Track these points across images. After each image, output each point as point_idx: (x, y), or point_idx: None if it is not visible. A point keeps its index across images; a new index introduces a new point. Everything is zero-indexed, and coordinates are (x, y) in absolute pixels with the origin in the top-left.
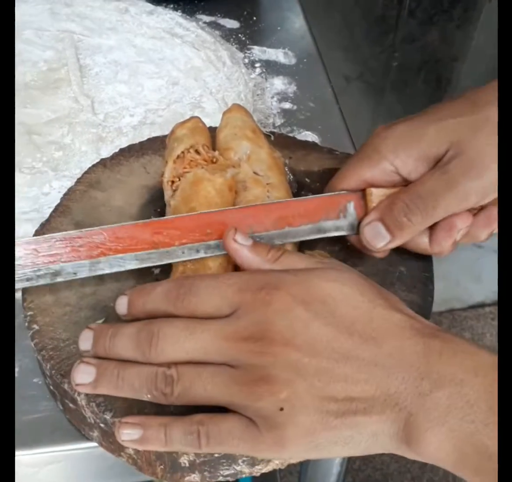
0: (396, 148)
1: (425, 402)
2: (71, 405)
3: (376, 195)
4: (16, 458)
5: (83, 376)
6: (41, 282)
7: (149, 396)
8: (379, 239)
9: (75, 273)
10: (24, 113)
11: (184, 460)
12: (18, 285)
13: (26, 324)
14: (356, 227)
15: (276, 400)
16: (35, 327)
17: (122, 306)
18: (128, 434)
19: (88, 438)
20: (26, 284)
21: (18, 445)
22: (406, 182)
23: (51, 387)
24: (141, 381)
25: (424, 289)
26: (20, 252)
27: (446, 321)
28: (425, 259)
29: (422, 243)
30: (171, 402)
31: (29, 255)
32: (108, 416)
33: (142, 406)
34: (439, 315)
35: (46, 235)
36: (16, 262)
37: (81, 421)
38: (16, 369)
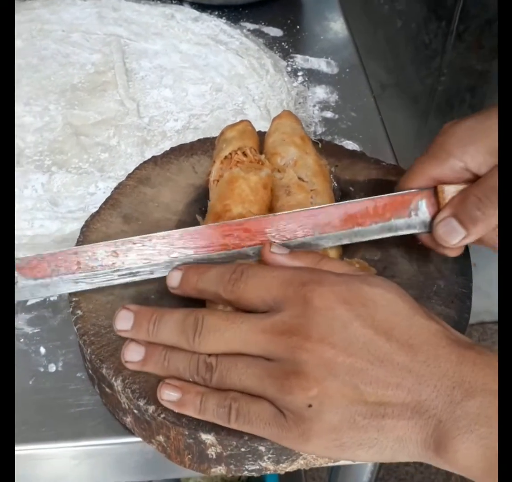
0: (464, 144)
1: (456, 410)
2: (107, 390)
3: (449, 191)
4: (59, 449)
5: (133, 354)
6: (120, 281)
7: (191, 379)
8: (453, 236)
9: (152, 272)
10: (72, 115)
11: (211, 452)
12: (98, 285)
13: (70, 309)
14: (428, 225)
15: (306, 396)
16: (79, 312)
17: (175, 279)
18: (168, 394)
19: (121, 423)
20: (105, 284)
21: (61, 437)
22: (476, 177)
23: (90, 371)
24: (184, 365)
25: (461, 305)
26: (101, 253)
27: (476, 334)
28: (464, 275)
29: (494, 238)
30: (209, 385)
31: (109, 256)
32: (141, 403)
33: None
34: (469, 327)
35: (123, 239)
36: (97, 263)
37: (116, 406)
38: (60, 363)
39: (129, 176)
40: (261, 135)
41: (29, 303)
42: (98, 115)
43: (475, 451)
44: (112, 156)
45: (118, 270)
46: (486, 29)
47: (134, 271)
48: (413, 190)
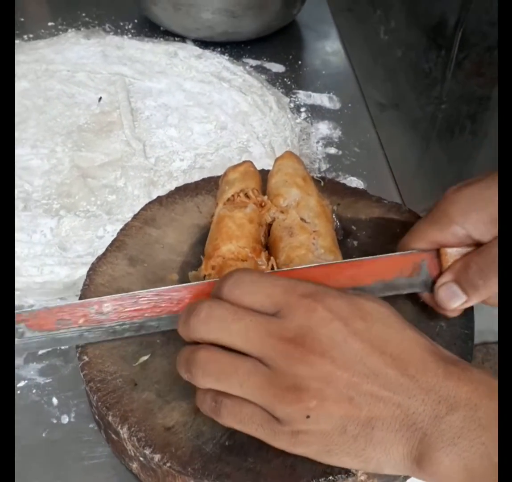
0: (466, 212)
1: (440, 423)
2: (114, 436)
3: (451, 255)
4: None
5: None
6: (126, 334)
7: (183, 372)
8: (454, 300)
9: (157, 326)
10: (79, 156)
11: None
12: (104, 337)
13: (77, 355)
14: (430, 285)
15: (305, 408)
16: (85, 358)
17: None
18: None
19: (127, 468)
20: (112, 336)
21: None
22: (478, 243)
23: (96, 417)
24: (180, 358)
25: (464, 346)
26: (108, 307)
27: (479, 354)
28: (466, 315)
29: (495, 298)
30: (203, 385)
31: (115, 310)
32: (147, 451)
33: (179, 445)
34: (473, 348)
35: (130, 293)
36: (103, 317)
37: (122, 452)
38: (72, 414)
39: (134, 217)
40: (265, 173)
41: (40, 353)
42: (104, 156)
43: (457, 463)
44: (120, 198)
45: (123, 324)
46: (485, 57)
47: (140, 324)
48: (415, 251)
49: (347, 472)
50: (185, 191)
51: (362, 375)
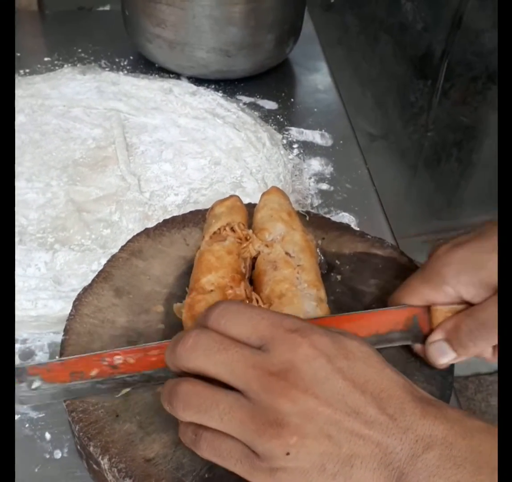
0: (458, 274)
1: (417, 462)
2: (95, 466)
3: (441, 311)
4: None
5: None
6: (137, 385)
7: (166, 404)
8: (443, 357)
9: (166, 376)
10: (74, 191)
11: None
12: (118, 391)
13: None
14: (421, 338)
15: (286, 445)
16: None
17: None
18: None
19: None
20: (122, 387)
21: None
22: (469, 303)
23: (78, 447)
24: (164, 390)
25: (443, 381)
26: (119, 359)
27: (472, 386)
28: None
29: (486, 353)
30: (183, 418)
31: (126, 362)
32: None
33: (159, 476)
34: (465, 379)
35: (139, 346)
36: (116, 370)
37: None
38: (65, 449)
39: (122, 248)
40: (252, 207)
41: (33, 387)
42: (99, 191)
43: None
44: (114, 232)
45: (134, 375)
46: (471, 86)
47: (149, 375)
48: (406, 306)
49: None
50: (172, 223)
51: (344, 413)
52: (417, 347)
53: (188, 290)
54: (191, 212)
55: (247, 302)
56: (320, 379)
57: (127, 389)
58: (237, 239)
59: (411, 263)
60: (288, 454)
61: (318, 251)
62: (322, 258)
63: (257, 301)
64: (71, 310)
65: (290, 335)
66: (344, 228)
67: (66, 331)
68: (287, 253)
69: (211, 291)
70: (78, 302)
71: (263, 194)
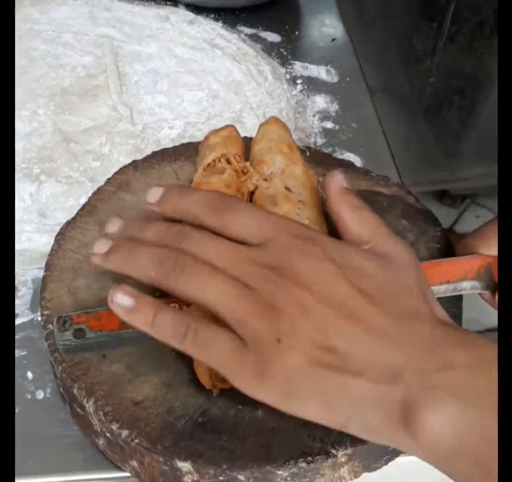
0: None
1: (430, 379)
2: (79, 410)
3: None
4: None
5: (100, 246)
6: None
7: (152, 274)
8: None
9: None
10: (62, 120)
11: (187, 480)
12: None
13: (42, 323)
14: (491, 287)
15: (277, 329)
16: (50, 327)
17: (154, 195)
18: (121, 298)
19: (93, 445)
20: None
21: (48, 471)
22: None
23: (61, 390)
24: (151, 257)
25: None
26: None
27: None
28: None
29: None
30: (170, 288)
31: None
32: (114, 427)
33: (149, 420)
34: None
35: None
36: None
37: (88, 427)
38: (48, 390)
39: (108, 181)
40: (247, 141)
41: (16, 323)
42: (89, 121)
43: (447, 427)
44: (104, 165)
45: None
46: (477, 31)
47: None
48: (479, 254)
49: (327, 452)
50: (162, 156)
51: (342, 316)
52: (487, 296)
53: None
54: (182, 144)
55: None
56: (319, 278)
57: None
58: (234, 172)
59: (418, 202)
60: (278, 340)
61: (319, 188)
62: (324, 195)
63: None
64: (53, 245)
65: (293, 239)
66: (346, 165)
67: (47, 266)
68: (287, 188)
69: None
70: (61, 236)
71: (262, 125)
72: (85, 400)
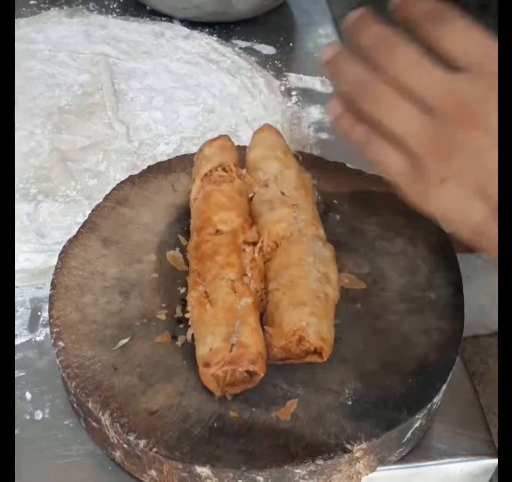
0: None
1: None
2: (94, 424)
3: None
4: None
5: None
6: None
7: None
8: None
9: None
10: (59, 139)
11: None
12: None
13: (52, 341)
14: None
15: (446, 171)
16: (61, 344)
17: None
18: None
19: (109, 457)
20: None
21: None
22: None
23: (75, 405)
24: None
25: (455, 315)
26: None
27: (470, 347)
28: (453, 284)
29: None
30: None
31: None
32: (131, 437)
33: (165, 429)
34: (463, 340)
35: None
36: None
37: (104, 440)
38: (47, 410)
39: (106, 197)
40: (241, 149)
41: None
42: (86, 139)
43: None
44: (101, 183)
45: None
46: None
47: None
48: None
49: (343, 448)
50: (158, 169)
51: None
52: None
53: (180, 237)
54: (177, 157)
55: (255, 246)
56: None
57: (125, 340)
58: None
59: None
60: (444, 180)
61: (315, 191)
62: (319, 197)
63: (262, 243)
64: (57, 263)
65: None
66: (339, 167)
67: (53, 285)
68: (282, 193)
69: (221, 234)
70: (64, 254)
71: (256, 132)
72: (100, 413)
